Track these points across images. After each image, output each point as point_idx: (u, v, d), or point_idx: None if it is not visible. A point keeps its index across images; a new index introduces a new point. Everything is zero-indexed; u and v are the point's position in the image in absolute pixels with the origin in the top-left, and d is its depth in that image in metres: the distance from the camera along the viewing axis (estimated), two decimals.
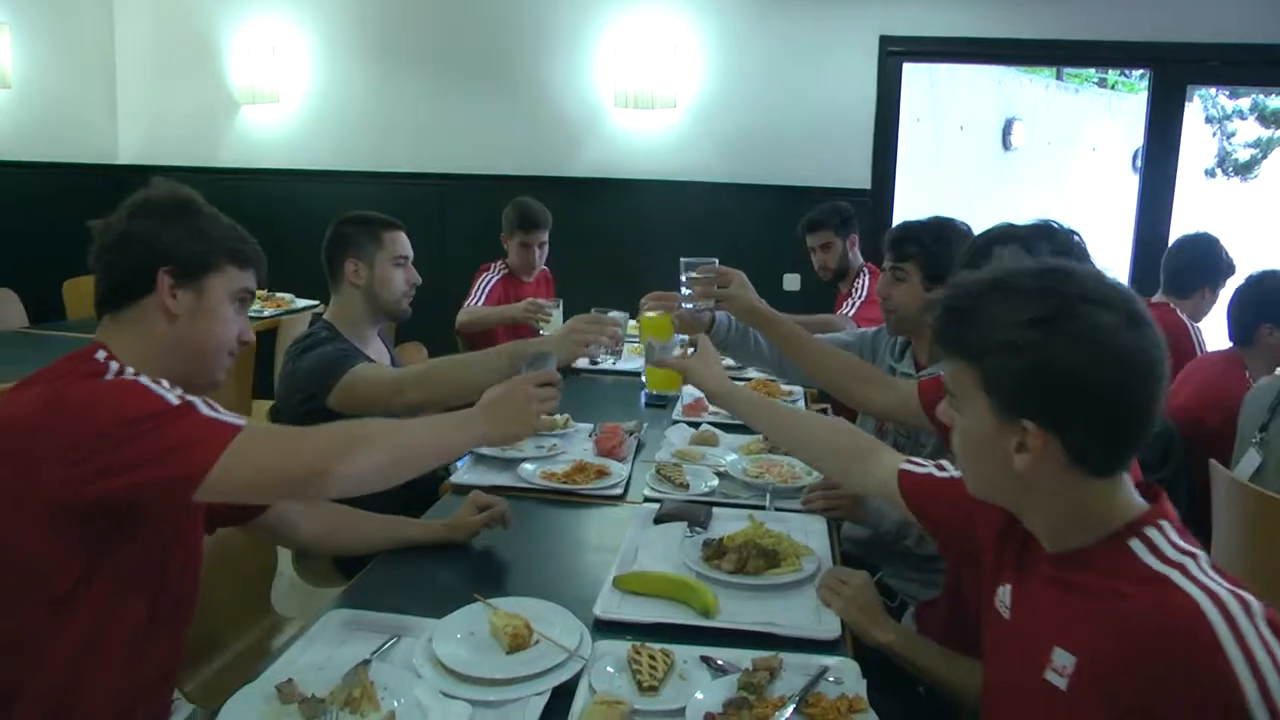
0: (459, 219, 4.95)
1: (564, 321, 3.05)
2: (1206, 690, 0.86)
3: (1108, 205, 7.80)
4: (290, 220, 5.03)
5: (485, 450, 2.31)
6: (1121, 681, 0.92)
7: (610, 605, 1.51)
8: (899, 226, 2.30)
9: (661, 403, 3.04)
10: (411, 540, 1.77)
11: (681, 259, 2.16)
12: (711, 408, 2.87)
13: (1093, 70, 8.05)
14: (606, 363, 3.22)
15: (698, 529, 1.83)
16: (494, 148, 4.97)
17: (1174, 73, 4.41)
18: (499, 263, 3.80)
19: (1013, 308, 0.99)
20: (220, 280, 1.34)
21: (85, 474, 1.13)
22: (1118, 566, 0.98)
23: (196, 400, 1.22)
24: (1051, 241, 1.58)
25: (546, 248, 3.81)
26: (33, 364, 1.27)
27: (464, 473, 2.20)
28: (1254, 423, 2.20)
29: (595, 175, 4.90)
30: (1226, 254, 3.25)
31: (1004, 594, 1.16)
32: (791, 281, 4.80)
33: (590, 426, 2.58)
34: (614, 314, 2.12)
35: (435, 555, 1.76)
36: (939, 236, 2.15)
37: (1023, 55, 5.38)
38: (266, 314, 4.28)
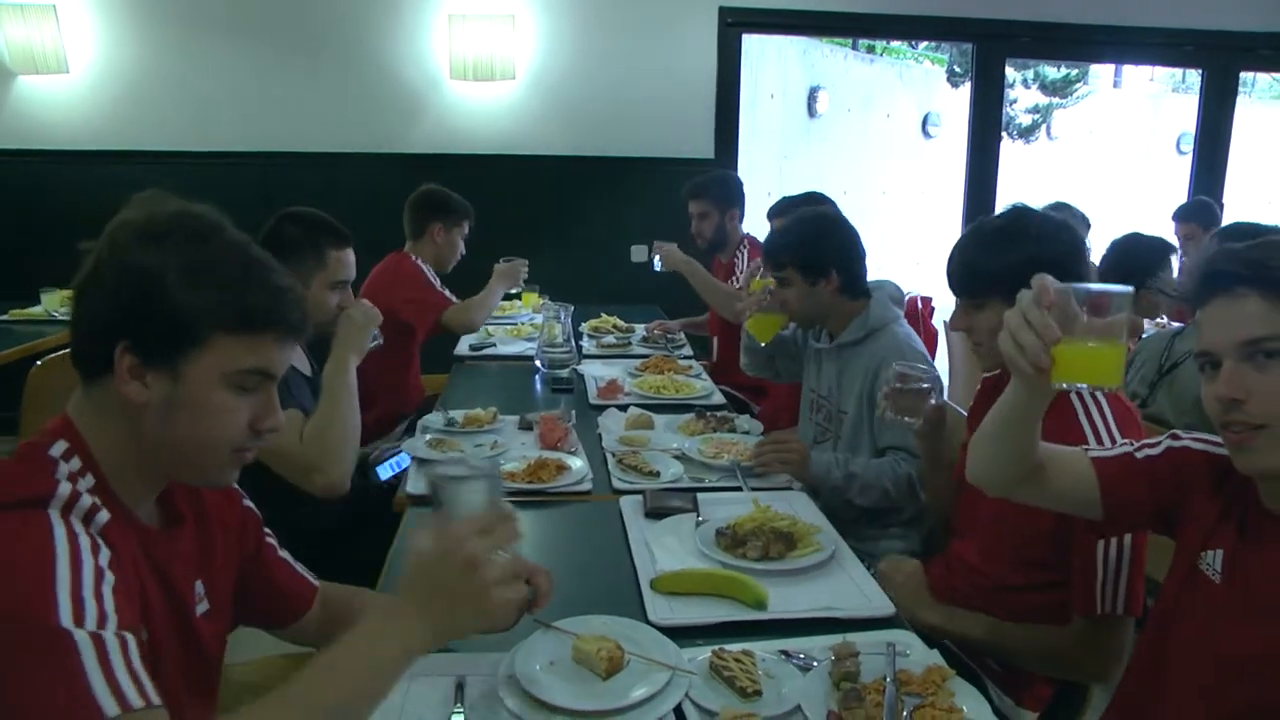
0: (286, 201, 4.45)
1: None
2: None
3: (902, 167, 8.40)
4: (93, 210, 4.40)
5: (425, 454, 2.15)
6: None
7: (662, 610, 1.44)
8: (768, 242, 2.45)
9: (567, 387, 2.96)
10: None
11: (895, 365, 1.84)
12: (625, 389, 2.86)
13: (885, 42, 8.61)
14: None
15: (701, 519, 1.79)
16: (322, 122, 4.59)
17: (994, 47, 4.78)
18: (414, 257, 3.45)
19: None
20: None
21: None
22: None
23: None
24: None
25: None
26: None
27: (415, 482, 2.03)
28: (1153, 366, 2.42)
29: (433, 150, 4.66)
30: (1078, 212, 3.53)
31: (1212, 558, 1.16)
32: (639, 253, 4.79)
33: (515, 418, 2.46)
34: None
35: None
36: (805, 238, 2.29)
37: (857, 28, 5.61)
38: None
